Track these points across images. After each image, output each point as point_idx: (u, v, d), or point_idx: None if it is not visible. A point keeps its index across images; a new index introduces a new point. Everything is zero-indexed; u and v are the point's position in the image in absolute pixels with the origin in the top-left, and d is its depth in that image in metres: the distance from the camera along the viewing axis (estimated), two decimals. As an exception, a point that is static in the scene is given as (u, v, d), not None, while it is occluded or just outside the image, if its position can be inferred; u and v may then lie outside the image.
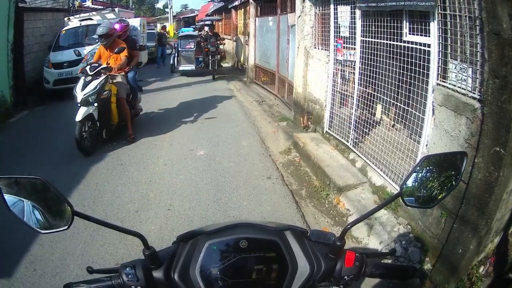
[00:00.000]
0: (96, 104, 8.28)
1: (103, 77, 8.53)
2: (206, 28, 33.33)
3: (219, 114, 12.03)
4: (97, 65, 8.88)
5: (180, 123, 10.91)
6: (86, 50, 14.88)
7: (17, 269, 4.58)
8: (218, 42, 19.69)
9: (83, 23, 16.90)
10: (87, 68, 8.63)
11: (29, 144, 9.22)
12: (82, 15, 17.92)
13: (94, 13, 18.15)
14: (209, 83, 17.94)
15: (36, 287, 4.31)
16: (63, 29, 16.21)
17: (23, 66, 13.66)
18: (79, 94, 8.07)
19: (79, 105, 8.09)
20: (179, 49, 20.32)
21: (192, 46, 20.17)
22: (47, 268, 4.61)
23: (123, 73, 9.40)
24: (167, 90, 16.25)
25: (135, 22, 13.75)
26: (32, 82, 14.52)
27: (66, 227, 1.46)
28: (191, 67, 19.95)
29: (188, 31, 26.24)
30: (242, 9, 20.10)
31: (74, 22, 17.15)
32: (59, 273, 4.48)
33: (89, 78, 8.37)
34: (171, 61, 21.13)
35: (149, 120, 11.56)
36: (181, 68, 20.10)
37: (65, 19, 17.53)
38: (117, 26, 9.90)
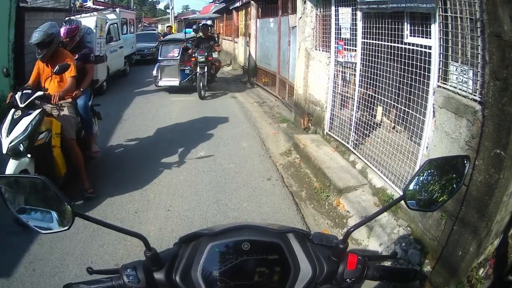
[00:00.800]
0: (29, 155, 5.49)
1: (37, 111, 5.65)
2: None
3: (219, 115, 12.01)
4: (29, 91, 5.89)
5: (177, 131, 10.82)
6: None
7: (17, 269, 4.57)
8: (211, 48, 15.48)
9: None
10: (17, 96, 5.75)
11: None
12: (83, 15, 17.88)
13: (95, 13, 18.07)
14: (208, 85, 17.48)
15: (35, 286, 4.30)
16: None
17: (23, 65, 13.61)
18: (4, 141, 5.35)
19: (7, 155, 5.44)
20: (159, 57, 15.87)
21: (176, 54, 15.70)
22: (46, 268, 4.60)
23: (70, 101, 6.48)
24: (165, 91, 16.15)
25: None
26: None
27: (66, 227, 1.45)
28: (174, 82, 15.31)
29: (191, 32, 25.66)
30: (243, 10, 20.07)
31: None
32: (58, 273, 4.47)
33: (18, 113, 5.61)
34: (154, 72, 15.72)
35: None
36: (161, 83, 15.36)
37: (66, 19, 17.46)
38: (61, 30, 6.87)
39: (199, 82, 14.49)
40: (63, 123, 6.14)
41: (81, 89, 6.69)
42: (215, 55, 15.88)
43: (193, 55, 15.24)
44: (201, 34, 17.05)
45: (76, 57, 6.92)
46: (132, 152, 8.65)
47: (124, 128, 10.58)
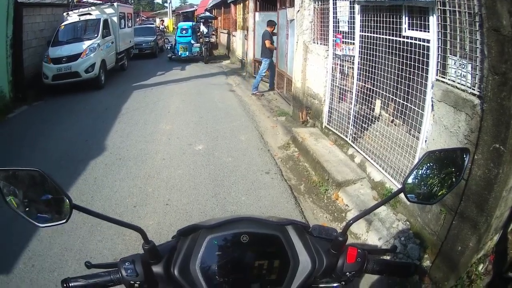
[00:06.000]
0: None
1: None
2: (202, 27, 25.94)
3: (218, 108, 12.02)
4: None
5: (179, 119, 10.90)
6: (85, 45, 15.12)
7: (16, 265, 4.58)
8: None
9: (82, 18, 17.09)
10: None
11: (28, 139, 9.22)
12: (81, 10, 18.00)
13: (93, 7, 18.26)
14: (206, 78, 17.70)
15: (35, 283, 4.32)
16: (62, 24, 16.41)
17: (22, 61, 13.68)
18: None
19: None
20: None
21: None
22: (45, 263, 4.61)
23: None
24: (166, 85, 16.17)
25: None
26: (31, 77, 14.58)
27: (64, 220, 1.43)
28: None
29: (186, 26, 24.78)
30: (241, 4, 20.04)
31: (73, 17, 17.39)
32: (57, 269, 4.49)
33: None
34: None
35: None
36: None
37: (64, 14, 17.65)
38: None
39: None
40: None
41: None
42: None
43: None
44: None
45: None
46: (130, 146, 8.64)
47: (122, 122, 10.62)
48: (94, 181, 6.88)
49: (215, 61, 24.68)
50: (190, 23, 26.45)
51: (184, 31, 24.36)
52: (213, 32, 28.50)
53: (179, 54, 23.71)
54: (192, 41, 24.08)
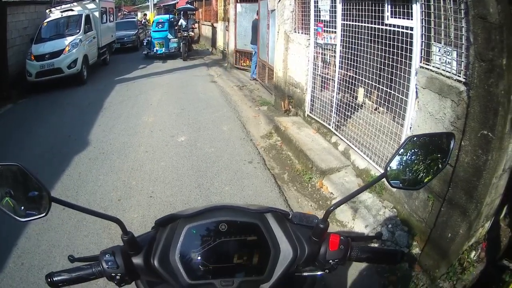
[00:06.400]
0: None
1: None
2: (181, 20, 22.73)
3: (199, 100, 12.00)
4: None
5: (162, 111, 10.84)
6: (67, 40, 15.19)
7: (6, 264, 4.59)
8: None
9: (64, 14, 17.26)
10: None
11: (14, 137, 9.22)
12: (63, 6, 18.15)
13: (75, 3, 18.34)
14: (188, 70, 17.72)
15: (25, 281, 4.31)
16: (44, 21, 16.57)
17: (6, 60, 13.68)
18: None
19: None
20: None
21: None
22: (34, 261, 4.61)
23: None
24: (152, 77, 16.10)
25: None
26: (16, 75, 14.64)
27: (44, 214, 1.42)
28: None
29: (163, 19, 23.25)
30: (223, -5, 19.91)
31: (55, 13, 17.61)
32: (46, 266, 4.48)
33: None
34: None
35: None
36: None
37: (47, 11, 17.82)
38: None
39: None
40: None
41: None
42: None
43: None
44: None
45: None
46: (113, 140, 8.62)
47: (105, 116, 10.62)
48: (79, 176, 6.86)
49: (195, 57, 22.50)
50: (167, 16, 24.03)
51: (160, 25, 22.64)
52: (193, 25, 26.22)
53: (155, 50, 21.68)
54: (169, 36, 22.05)
